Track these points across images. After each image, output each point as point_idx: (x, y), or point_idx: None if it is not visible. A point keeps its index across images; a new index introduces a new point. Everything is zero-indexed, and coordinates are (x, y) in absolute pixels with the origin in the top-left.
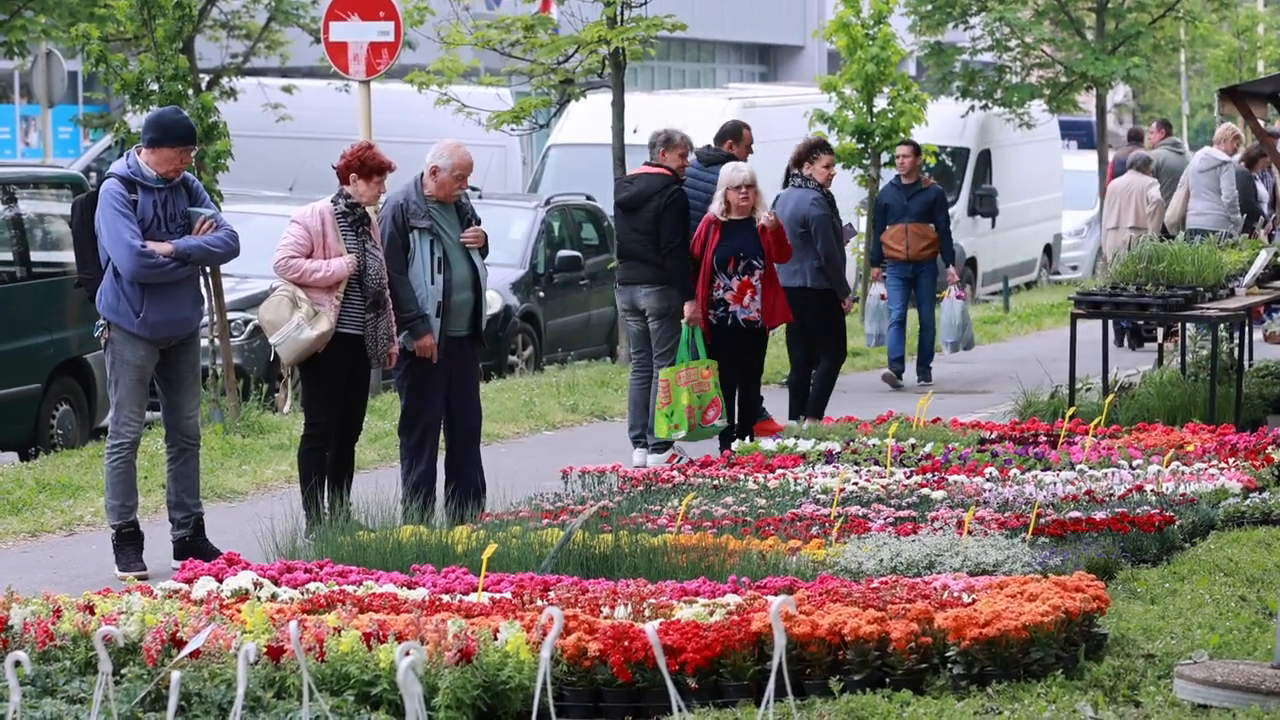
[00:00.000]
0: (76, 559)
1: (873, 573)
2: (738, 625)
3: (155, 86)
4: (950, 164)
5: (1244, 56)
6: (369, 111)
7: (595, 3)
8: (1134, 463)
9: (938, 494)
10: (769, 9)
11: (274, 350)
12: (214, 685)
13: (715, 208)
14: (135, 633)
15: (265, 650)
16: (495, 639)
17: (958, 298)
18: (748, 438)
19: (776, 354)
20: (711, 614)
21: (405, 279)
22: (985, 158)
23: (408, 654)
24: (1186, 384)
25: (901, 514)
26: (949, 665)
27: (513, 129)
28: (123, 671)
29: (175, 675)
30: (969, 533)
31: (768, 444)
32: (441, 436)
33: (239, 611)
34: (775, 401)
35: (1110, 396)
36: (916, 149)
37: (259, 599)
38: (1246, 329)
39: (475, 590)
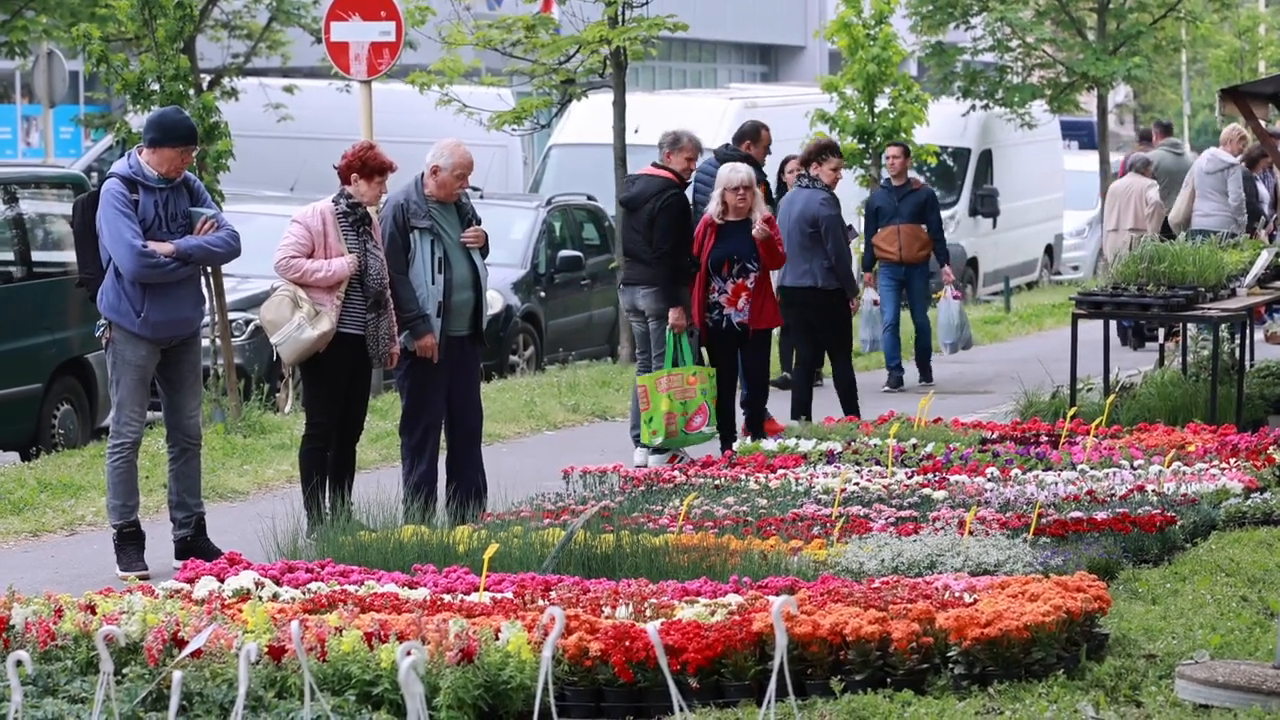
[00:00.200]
0: (78, 559)
1: (874, 573)
2: (739, 625)
3: (156, 86)
4: (951, 164)
5: (1245, 57)
6: (370, 112)
7: (596, 3)
8: (1135, 463)
9: (939, 494)
10: (770, 9)
11: (275, 350)
12: (215, 685)
13: (712, 209)
14: (137, 632)
15: (267, 650)
16: (497, 639)
17: (954, 298)
18: (759, 437)
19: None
20: (713, 614)
21: (406, 279)
22: (986, 158)
23: (409, 654)
24: (1188, 384)
25: (903, 514)
26: (950, 665)
27: (514, 129)
28: (124, 671)
29: (177, 675)
30: (970, 533)
31: (769, 444)
32: (442, 436)
33: (240, 611)
34: (776, 402)
35: (1111, 397)
36: (906, 150)
37: (260, 599)
38: (1248, 329)
39: (477, 590)
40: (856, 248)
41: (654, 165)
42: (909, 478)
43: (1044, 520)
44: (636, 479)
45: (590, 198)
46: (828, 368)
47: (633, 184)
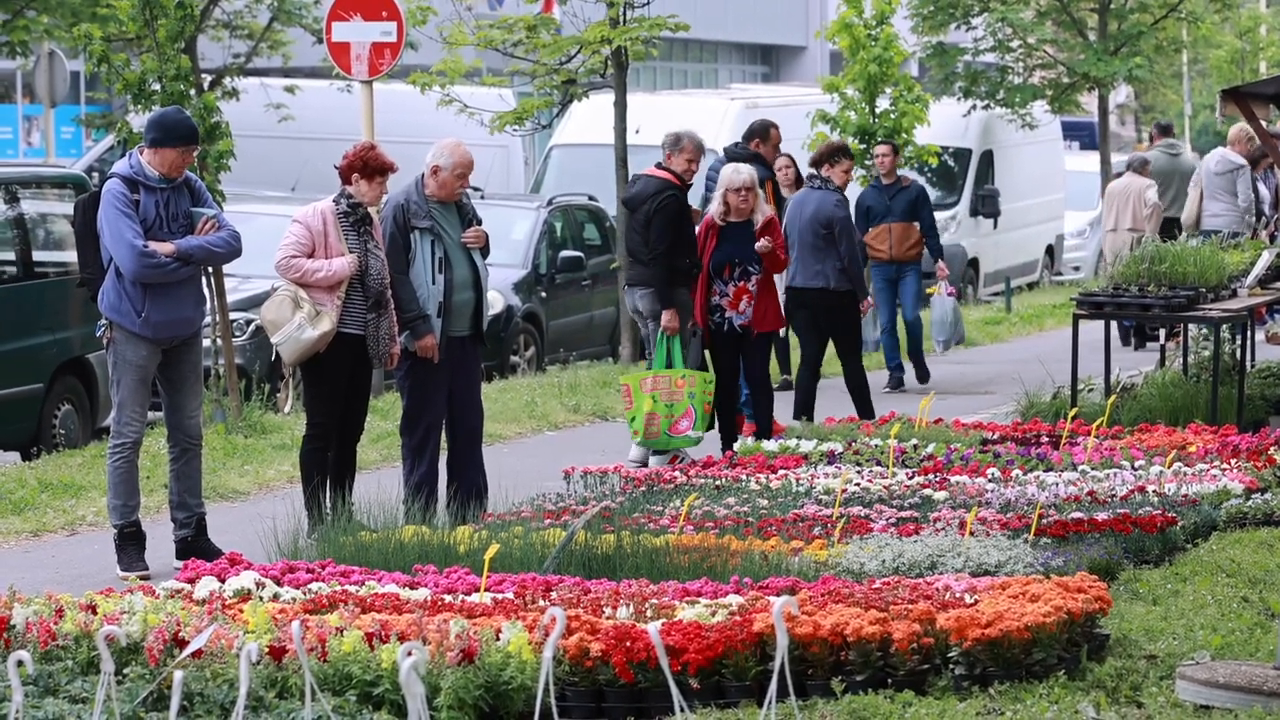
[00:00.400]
0: (79, 559)
1: (875, 573)
2: (740, 626)
3: (157, 86)
4: (952, 165)
5: (1246, 57)
6: (371, 112)
7: (598, 3)
8: (1136, 463)
9: (940, 495)
10: (771, 9)
11: (276, 350)
12: (216, 685)
13: (714, 209)
14: (137, 632)
15: (267, 650)
16: (497, 639)
17: (949, 294)
18: (763, 439)
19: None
20: (714, 614)
21: (406, 279)
22: (987, 158)
23: (410, 654)
24: (1188, 385)
25: (903, 515)
26: (951, 666)
27: (515, 130)
28: (125, 671)
29: (178, 675)
30: (971, 533)
31: (770, 444)
32: (443, 437)
33: (241, 611)
34: (783, 399)
35: (1112, 397)
36: (895, 149)
37: (261, 599)
38: (1248, 330)
39: (477, 590)
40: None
41: (656, 166)
42: (910, 478)
43: (1045, 521)
44: (637, 479)
45: (591, 198)
46: (823, 368)
47: (634, 184)
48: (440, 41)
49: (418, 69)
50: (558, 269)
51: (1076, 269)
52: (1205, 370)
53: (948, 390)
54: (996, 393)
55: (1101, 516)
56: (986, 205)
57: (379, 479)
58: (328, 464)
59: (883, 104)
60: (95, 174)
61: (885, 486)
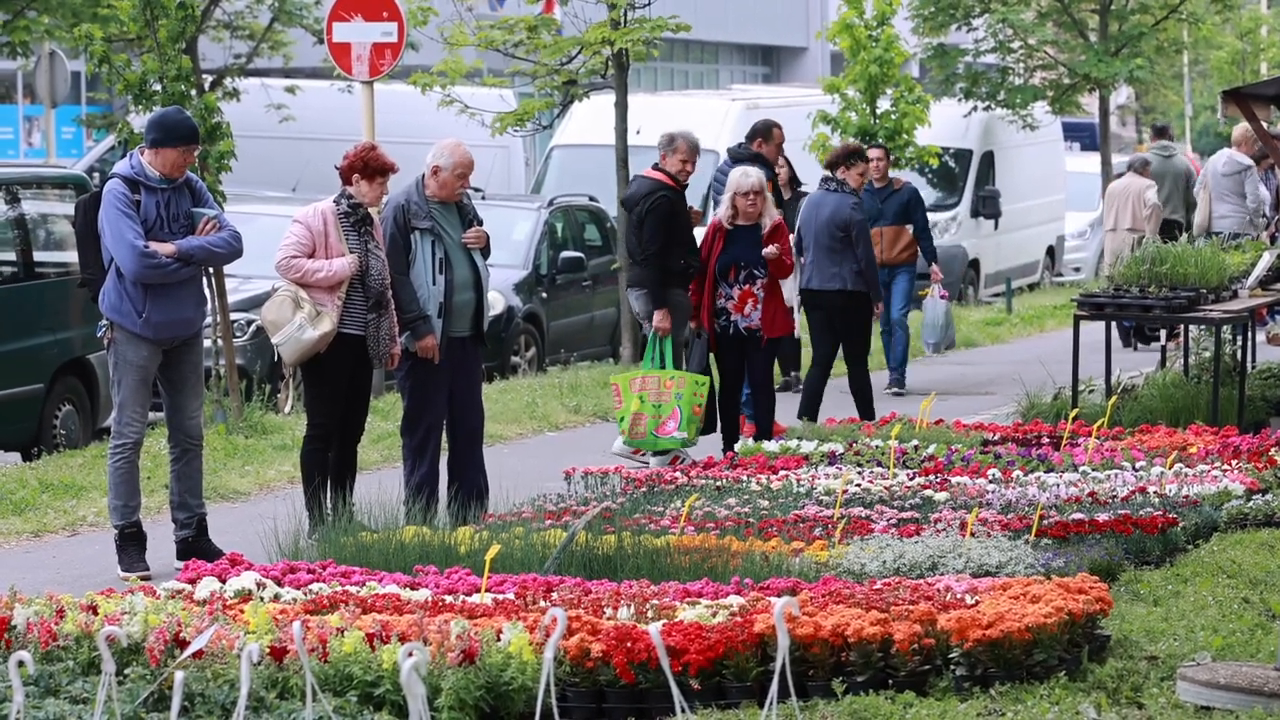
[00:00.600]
0: (79, 559)
1: (876, 574)
2: (741, 626)
3: (158, 87)
4: (953, 166)
5: (1247, 58)
6: (372, 112)
7: (599, 4)
8: (1137, 464)
9: (940, 495)
10: (772, 10)
11: (276, 351)
12: (217, 686)
13: (722, 212)
14: (138, 633)
15: (268, 651)
16: (498, 640)
17: (941, 297)
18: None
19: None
20: (714, 615)
21: (407, 280)
22: (988, 159)
23: (411, 655)
24: (1189, 386)
25: (904, 515)
26: (952, 667)
27: (516, 130)
28: (126, 672)
29: (178, 675)
30: (972, 534)
31: (770, 445)
32: (444, 437)
33: (242, 612)
34: (782, 401)
35: (1113, 398)
36: (887, 151)
37: (262, 599)
38: (1249, 331)
39: (478, 591)
40: None
41: (652, 167)
42: (910, 479)
43: (1046, 522)
44: (638, 480)
45: (592, 199)
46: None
47: (631, 185)
48: (441, 42)
49: (418, 69)
50: (558, 270)
51: (1077, 270)
52: (1206, 371)
53: (948, 391)
54: (997, 393)
55: (1102, 517)
56: (987, 206)
57: (380, 479)
58: (328, 464)
59: (883, 105)
60: (96, 174)
61: (886, 487)
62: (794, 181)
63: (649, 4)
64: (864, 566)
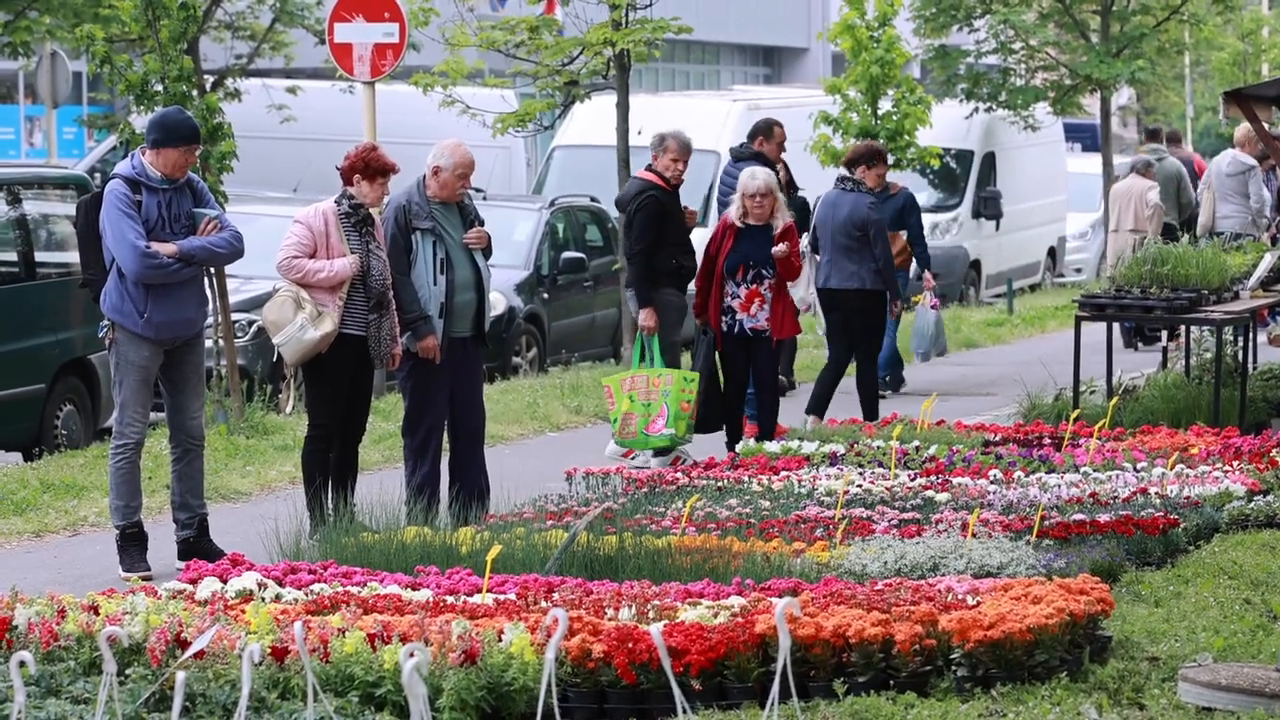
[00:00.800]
0: (81, 559)
1: (877, 575)
2: (742, 627)
3: (160, 87)
4: (955, 167)
5: (1249, 59)
6: (373, 113)
7: (600, 4)
8: (1138, 465)
9: (942, 496)
10: (774, 11)
11: (278, 351)
12: (218, 686)
13: (733, 212)
14: (139, 633)
15: (270, 651)
16: (500, 640)
17: (931, 307)
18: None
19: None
20: (716, 616)
21: (408, 280)
22: (989, 160)
23: (412, 655)
24: (1191, 387)
25: (906, 516)
26: (953, 667)
27: (517, 131)
28: (127, 672)
29: (180, 676)
30: (973, 535)
31: (772, 446)
32: (445, 438)
33: (243, 612)
34: (782, 402)
35: (1114, 399)
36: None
37: (263, 600)
38: (1251, 332)
39: (479, 591)
40: None
41: (645, 168)
42: (912, 480)
43: (1047, 522)
44: (639, 481)
45: (593, 199)
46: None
47: (624, 186)
48: (442, 42)
49: (420, 70)
50: (560, 270)
51: (1078, 271)
52: (1207, 372)
53: (950, 392)
54: (998, 394)
55: (1104, 518)
56: (988, 207)
57: (381, 480)
58: (329, 465)
59: (885, 106)
60: (97, 175)
61: (887, 488)
62: (791, 185)
63: (650, 5)
64: (865, 567)
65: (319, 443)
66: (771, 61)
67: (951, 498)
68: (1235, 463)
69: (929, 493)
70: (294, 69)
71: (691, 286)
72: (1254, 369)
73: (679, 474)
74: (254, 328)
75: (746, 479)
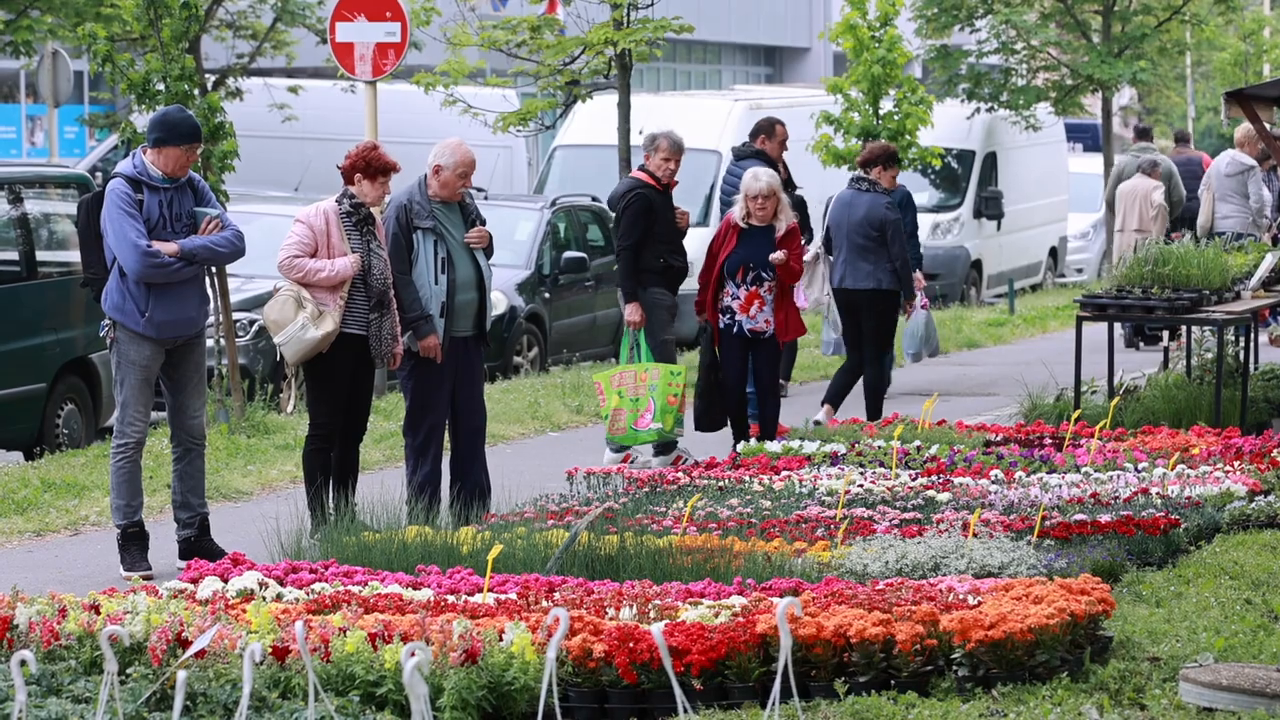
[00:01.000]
0: (81, 559)
1: (878, 575)
2: (743, 627)
3: (161, 86)
4: (956, 166)
5: (1250, 60)
6: (375, 112)
7: (602, 4)
8: (1139, 466)
9: (943, 496)
10: (775, 11)
11: (279, 350)
12: (219, 685)
13: (736, 213)
14: (140, 632)
15: (270, 650)
16: (501, 640)
17: (922, 306)
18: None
19: None
20: (717, 615)
21: (409, 279)
22: (991, 160)
23: (413, 654)
24: (1192, 387)
25: (907, 516)
26: (954, 667)
27: (519, 130)
28: (128, 671)
29: (181, 675)
30: (974, 535)
31: (773, 446)
32: (447, 437)
33: (244, 612)
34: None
35: (1115, 399)
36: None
37: (264, 599)
38: (1252, 332)
39: (480, 591)
40: None
41: (638, 167)
42: (913, 480)
43: (1048, 523)
44: (640, 480)
45: (595, 199)
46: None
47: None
48: (444, 42)
49: (421, 69)
50: (561, 270)
51: (1080, 271)
52: (1208, 372)
53: (951, 392)
54: (1000, 394)
55: (1105, 518)
56: (990, 207)
57: (382, 479)
58: (330, 464)
59: (886, 105)
60: (99, 174)
61: (888, 488)
62: (789, 185)
63: (652, 4)
64: (866, 567)
65: (320, 442)
66: (773, 61)
67: (953, 498)
68: (1236, 463)
69: (930, 492)
70: (295, 68)
71: (693, 285)
72: (1255, 369)
73: (680, 473)
74: (255, 327)
75: (748, 479)
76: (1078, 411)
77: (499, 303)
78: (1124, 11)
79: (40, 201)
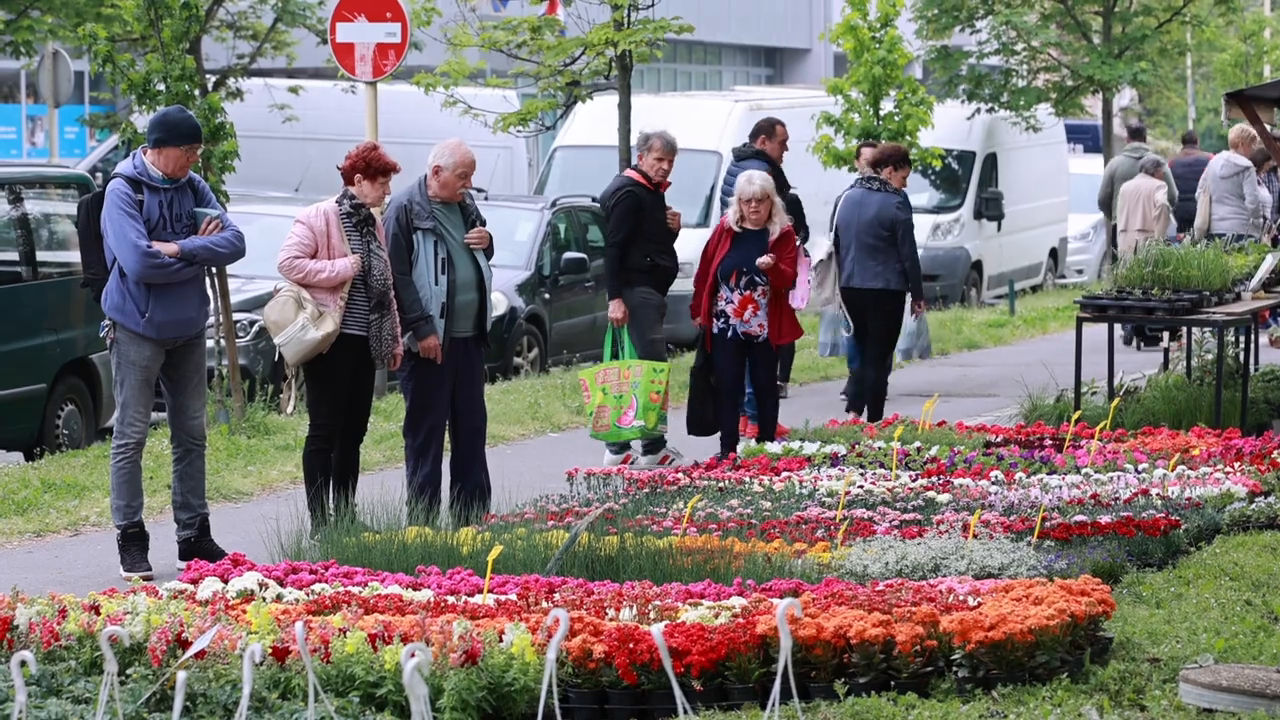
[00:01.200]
0: (82, 559)
1: (878, 576)
2: (743, 628)
3: (162, 87)
4: (956, 167)
5: (1251, 61)
6: (375, 113)
7: (602, 5)
8: (1139, 467)
9: (943, 497)
10: (776, 11)
11: (279, 351)
12: (219, 686)
13: (730, 216)
14: (140, 633)
15: (270, 651)
16: (500, 640)
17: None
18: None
19: None
20: (717, 616)
21: (409, 280)
22: (991, 161)
23: (413, 655)
24: (1192, 388)
25: (907, 517)
26: (954, 668)
27: (519, 131)
28: (128, 672)
29: (181, 675)
30: (974, 536)
31: (773, 447)
32: (447, 438)
33: (244, 612)
34: (780, 405)
35: (1116, 400)
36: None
37: (264, 600)
38: (1252, 333)
39: (480, 592)
40: None
41: (631, 167)
42: (913, 480)
43: (1048, 524)
44: (640, 481)
45: (595, 200)
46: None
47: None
48: (444, 43)
49: (422, 70)
50: (561, 270)
51: (1080, 272)
52: (1209, 373)
53: (951, 393)
54: (1000, 395)
55: (1105, 519)
56: (990, 208)
57: (382, 480)
58: (331, 465)
59: (887, 106)
60: (99, 174)
61: (888, 489)
62: (784, 185)
63: (652, 5)
64: (866, 568)
65: (320, 443)
66: (773, 62)
67: (953, 499)
68: (1236, 464)
69: (930, 493)
70: (296, 69)
71: (688, 287)
72: (1255, 370)
73: (680, 474)
74: (255, 328)
75: (748, 480)
76: (1078, 412)
77: (499, 303)
78: (1124, 12)
79: (40, 202)
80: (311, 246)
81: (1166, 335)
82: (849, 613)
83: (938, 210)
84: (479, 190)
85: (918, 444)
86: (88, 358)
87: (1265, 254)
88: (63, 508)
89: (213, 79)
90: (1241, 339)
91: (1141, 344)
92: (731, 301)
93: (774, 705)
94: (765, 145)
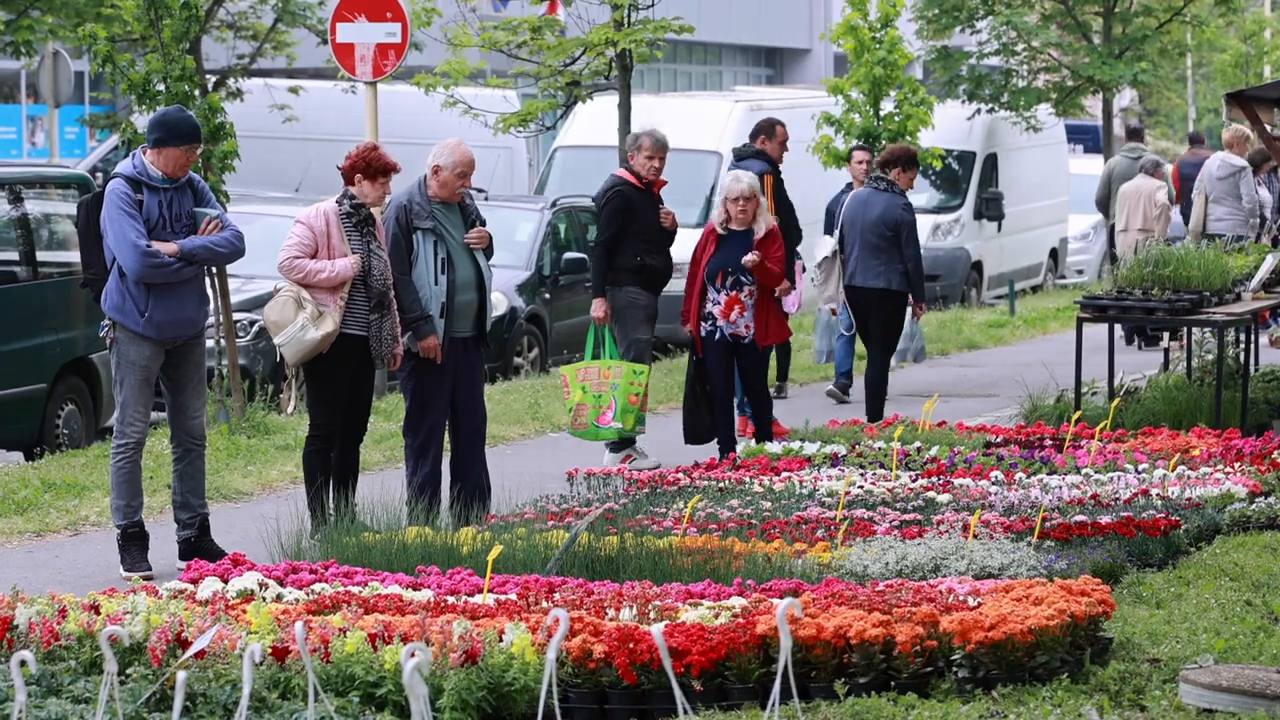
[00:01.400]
0: (82, 559)
1: (878, 576)
2: (743, 628)
3: (162, 87)
4: (956, 168)
5: (1251, 61)
6: (375, 113)
7: (602, 5)
8: (1139, 467)
9: (943, 497)
10: (776, 12)
11: (279, 351)
12: (219, 686)
13: (715, 216)
14: (140, 633)
15: (270, 651)
16: (500, 640)
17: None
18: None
19: None
20: (717, 616)
21: (409, 280)
22: (991, 161)
23: (413, 655)
24: (1192, 388)
25: (907, 517)
26: (954, 669)
27: (519, 131)
28: (128, 671)
29: (180, 675)
30: (974, 536)
31: (773, 447)
32: (447, 438)
33: (244, 612)
34: (780, 405)
35: (1116, 400)
36: (872, 153)
37: (264, 599)
38: (1252, 333)
39: (480, 592)
40: None
41: (623, 166)
42: (913, 481)
43: (1048, 524)
44: (640, 481)
45: (595, 200)
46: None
47: None
48: (445, 43)
49: (422, 70)
50: (561, 270)
51: (1080, 272)
52: (1209, 374)
53: (951, 393)
54: (1000, 395)
55: (1105, 520)
56: (990, 208)
57: (382, 480)
58: (331, 465)
59: (887, 107)
60: (99, 174)
61: (889, 489)
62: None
63: (653, 5)
64: (866, 568)
65: (320, 443)
66: (774, 62)
67: (953, 499)
68: (1236, 464)
69: (930, 494)
70: (296, 69)
71: (681, 288)
72: (1255, 371)
73: (680, 474)
74: (255, 328)
75: (748, 480)
76: (1078, 413)
77: (499, 303)
78: (1125, 13)
79: (41, 202)
80: (311, 246)
81: (1167, 335)
82: (849, 613)
83: (938, 210)
84: (479, 190)
85: (918, 444)
86: (88, 357)
87: (1265, 254)
88: (63, 508)
89: (213, 79)
90: (1242, 339)
91: (1142, 344)
92: (718, 303)
93: (774, 705)
94: (765, 145)
